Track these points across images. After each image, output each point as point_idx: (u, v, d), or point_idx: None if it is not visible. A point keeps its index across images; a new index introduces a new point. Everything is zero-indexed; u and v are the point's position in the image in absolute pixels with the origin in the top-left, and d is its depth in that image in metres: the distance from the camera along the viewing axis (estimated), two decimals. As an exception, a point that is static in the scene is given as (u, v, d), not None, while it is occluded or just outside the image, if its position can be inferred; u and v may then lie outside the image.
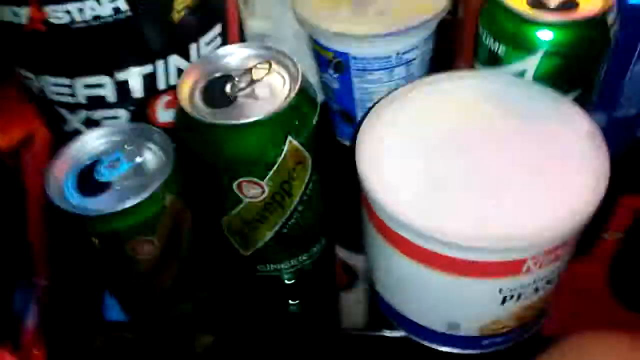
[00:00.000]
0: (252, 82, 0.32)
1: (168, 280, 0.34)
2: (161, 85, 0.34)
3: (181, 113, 0.31)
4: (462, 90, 0.34)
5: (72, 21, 0.30)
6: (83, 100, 0.34)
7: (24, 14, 0.30)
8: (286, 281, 0.39)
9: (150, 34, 0.32)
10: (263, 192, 0.32)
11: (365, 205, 0.32)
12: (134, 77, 0.33)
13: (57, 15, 0.29)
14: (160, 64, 0.33)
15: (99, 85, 0.33)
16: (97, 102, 0.34)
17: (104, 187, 0.31)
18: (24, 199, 0.38)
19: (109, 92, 0.33)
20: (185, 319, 0.38)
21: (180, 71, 0.34)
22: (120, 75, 0.33)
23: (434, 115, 0.33)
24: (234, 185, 0.32)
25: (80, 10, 0.29)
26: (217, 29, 0.35)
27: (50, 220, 0.38)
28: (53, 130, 0.37)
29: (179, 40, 0.33)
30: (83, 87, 0.33)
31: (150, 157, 0.32)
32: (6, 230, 0.37)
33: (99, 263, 0.33)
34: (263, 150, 0.31)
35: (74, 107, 0.34)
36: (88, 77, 0.32)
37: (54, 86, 0.33)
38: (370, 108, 0.34)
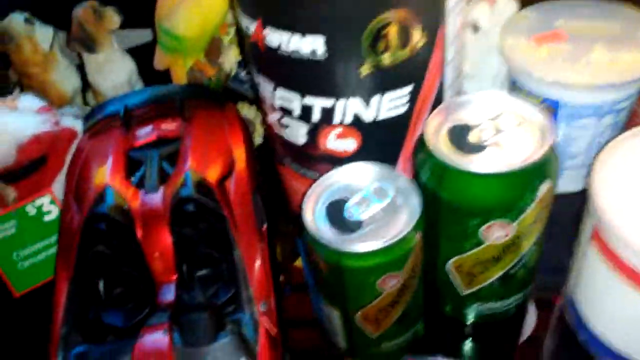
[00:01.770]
0: (499, 131, 0.33)
1: (405, 307, 0.36)
2: (337, 119, 0.38)
3: (429, 158, 0.33)
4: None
5: (280, 47, 0.35)
6: (277, 106, 0.39)
7: (251, 27, 0.36)
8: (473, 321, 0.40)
9: (337, 78, 0.36)
10: (507, 234, 0.33)
11: (597, 242, 0.32)
12: (317, 105, 0.37)
13: (271, 38, 0.35)
14: (340, 102, 0.37)
15: (290, 100, 0.38)
16: (287, 112, 0.39)
17: (355, 224, 0.32)
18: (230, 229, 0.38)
19: (296, 107, 0.38)
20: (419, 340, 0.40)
21: (356, 116, 0.37)
22: (306, 100, 0.37)
23: None
24: (482, 228, 0.33)
25: (288, 41, 0.35)
26: (407, 89, 0.37)
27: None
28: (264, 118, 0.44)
29: (363, 90, 0.36)
30: (280, 97, 0.39)
31: (397, 198, 0.33)
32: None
33: (341, 292, 0.34)
34: (521, 195, 0.32)
35: (272, 109, 0.40)
36: (284, 91, 0.38)
37: (262, 87, 0.40)
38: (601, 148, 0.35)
